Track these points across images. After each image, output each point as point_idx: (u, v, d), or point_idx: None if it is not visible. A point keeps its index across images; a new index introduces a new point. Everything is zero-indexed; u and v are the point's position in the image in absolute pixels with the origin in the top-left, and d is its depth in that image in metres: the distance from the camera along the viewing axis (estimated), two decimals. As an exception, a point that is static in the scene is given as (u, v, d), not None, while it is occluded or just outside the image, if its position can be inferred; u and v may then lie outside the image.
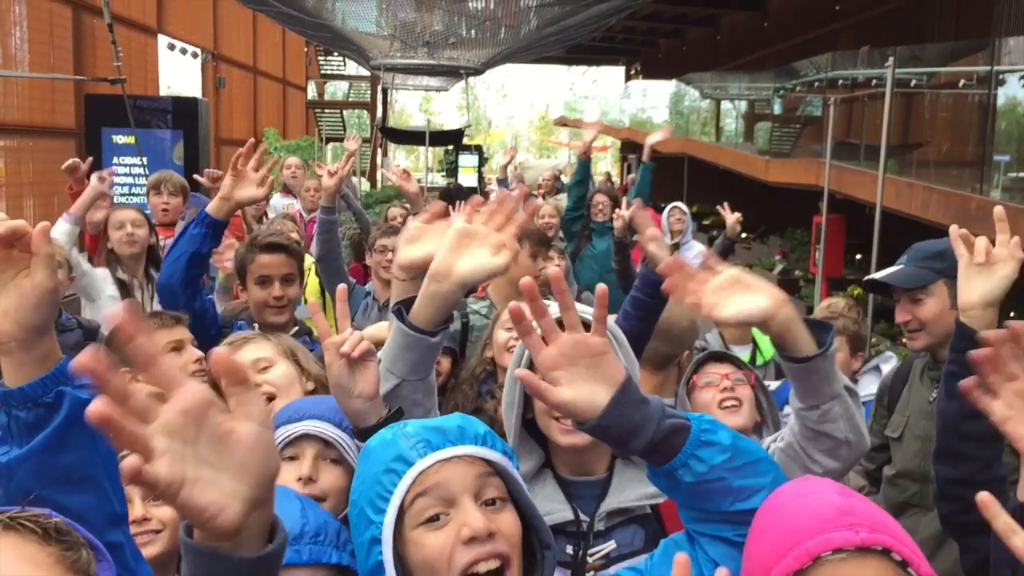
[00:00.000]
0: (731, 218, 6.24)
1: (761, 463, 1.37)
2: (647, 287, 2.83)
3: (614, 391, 1.30)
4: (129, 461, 0.81)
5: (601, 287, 1.34)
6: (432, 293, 1.70)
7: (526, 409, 1.83)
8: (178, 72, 19.87)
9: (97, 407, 0.79)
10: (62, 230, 4.29)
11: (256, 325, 3.22)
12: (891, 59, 7.27)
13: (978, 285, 1.99)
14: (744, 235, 16.52)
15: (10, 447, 1.29)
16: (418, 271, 1.80)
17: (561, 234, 6.62)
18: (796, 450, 1.73)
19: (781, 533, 1.20)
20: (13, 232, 1.20)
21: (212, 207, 3.07)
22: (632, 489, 1.79)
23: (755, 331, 4.12)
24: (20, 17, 12.39)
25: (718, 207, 5.82)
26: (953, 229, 2.02)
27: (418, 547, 1.29)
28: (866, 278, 2.78)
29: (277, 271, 3.20)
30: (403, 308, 1.74)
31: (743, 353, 3.96)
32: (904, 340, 2.83)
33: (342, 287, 1.81)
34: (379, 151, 26.25)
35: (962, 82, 10.70)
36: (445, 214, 1.94)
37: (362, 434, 1.67)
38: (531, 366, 1.41)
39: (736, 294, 1.60)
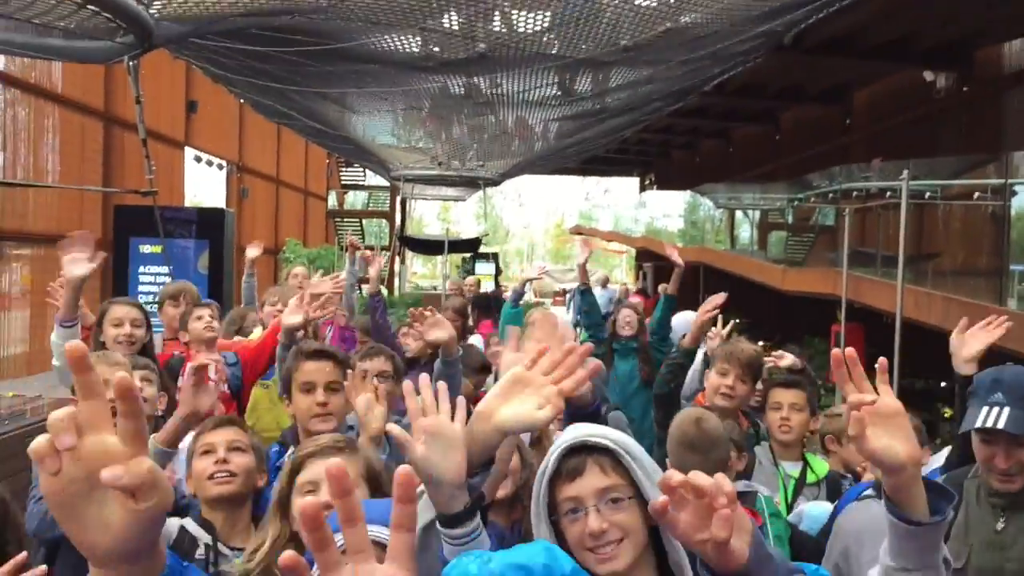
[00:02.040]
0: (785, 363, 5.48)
1: None
2: None
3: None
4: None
5: None
6: (472, 432, 1.65)
7: (560, 544, 1.74)
8: (203, 182, 20.37)
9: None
10: (61, 335, 4.16)
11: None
12: (905, 172, 7.40)
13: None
14: (761, 343, 16.50)
15: None
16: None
17: None
18: None
19: None
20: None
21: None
22: None
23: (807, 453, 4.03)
24: (53, 129, 12.81)
25: (770, 356, 5.37)
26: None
27: None
28: (976, 426, 2.55)
29: (322, 378, 3.19)
30: None
31: (793, 470, 3.85)
32: (995, 484, 2.63)
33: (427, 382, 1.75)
34: (397, 259, 26.58)
35: (976, 194, 10.84)
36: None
37: (447, 521, 1.63)
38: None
39: (881, 428, 1.55)
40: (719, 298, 4.24)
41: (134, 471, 0.95)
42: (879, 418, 1.55)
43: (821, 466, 3.92)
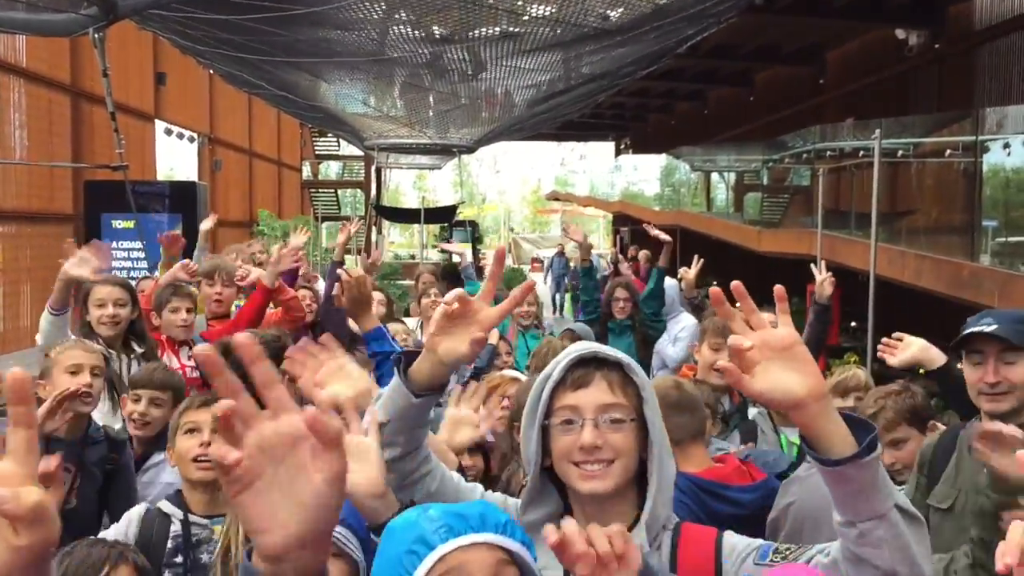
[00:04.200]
0: (822, 277, 5.14)
1: None
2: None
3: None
4: (223, 404, 0.89)
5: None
6: (423, 359, 1.73)
7: (544, 456, 1.74)
8: (175, 156, 20.16)
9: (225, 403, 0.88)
10: (49, 322, 4.10)
11: None
12: (877, 131, 7.43)
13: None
14: (737, 304, 16.61)
15: None
16: None
17: (541, 322, 6.53)
18: (841, 572, 1.47)
19: None
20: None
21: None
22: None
23: None
24: (19, 106, 12.60)
25: (812, 267, 5.41)
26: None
27: None
28: (968, 331, 2.66)
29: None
30: (404, 359, 1.76)
31: (795, 436, 3.70)
32: (985, 406, 2.71)
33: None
34: (374, 229, 26.48)
35: (948, 151, 10.91)
36: None
37: (377, 531, 1.66)
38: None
39: (777, 363, 1.40)
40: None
41: (22, 500, 0.81)
42: (773, 352, 1.39)
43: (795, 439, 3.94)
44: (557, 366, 1.72)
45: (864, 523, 1.38)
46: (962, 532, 2.69)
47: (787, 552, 1.60)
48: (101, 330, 4.15)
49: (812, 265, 5.39)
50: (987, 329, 2.63)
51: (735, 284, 1.50)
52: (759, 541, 1.70)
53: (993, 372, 2.65)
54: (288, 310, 4.92)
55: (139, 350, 4.25)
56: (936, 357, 3.29)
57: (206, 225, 6.85)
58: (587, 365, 1.71)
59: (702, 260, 6.32)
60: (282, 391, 0.92)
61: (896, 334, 3.43)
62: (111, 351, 4.10)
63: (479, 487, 1.92)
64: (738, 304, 1.50)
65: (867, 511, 1.37)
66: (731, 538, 1.71)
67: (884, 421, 3.11)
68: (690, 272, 6.22)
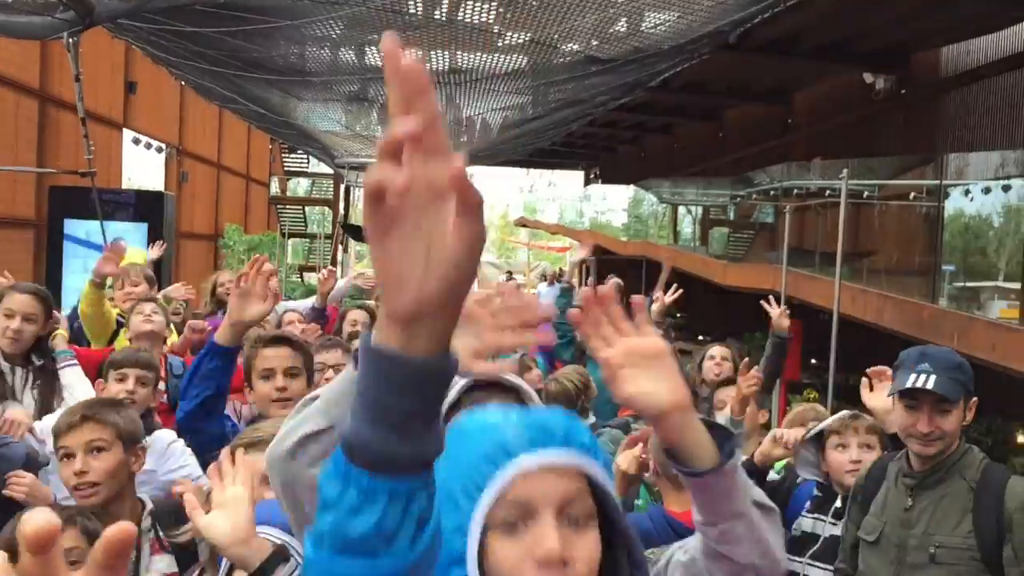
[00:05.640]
0: (778, 310, 5.38)
1: None
2: None
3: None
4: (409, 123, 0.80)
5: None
6: None
7: None
8: (141, 165, 19.95)
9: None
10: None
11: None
12: (845, 171, 7.55)
13: None
14: (700, 337, 16.72)
15: None
16: None
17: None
18: (699, 568, 1.51)
19: None
20: None
21: (220, 336, 2.87)
22: None
23: None
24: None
25: (764, 304, 5.43)
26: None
27: (492, 551, 1.22)
28: (907, 386, 2.76)
29: (280, 364, 3.18)
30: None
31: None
32: (915, 447, 2.87)
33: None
34: (339, 248, 26.35)
35: (912, 194, 11.12)
36: None
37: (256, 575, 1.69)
38: None
39: (644, 372, 1.38)
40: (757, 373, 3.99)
41: None
42: (641, 360, 1.38)
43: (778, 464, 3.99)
44: (453, 388, 1.71)
45: (724, 523, 1.41)
46: (888, 564, 2.82)
47: (650, 556, 1.60)
48: (3, 343, 3.80)
49: (763, 302, 5.40)
50: (928, 386, 2.74)
51: (604, 290, 1.44)
52: None
53: (927, 423, 2.78)
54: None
55: (37, 363, 3.90)
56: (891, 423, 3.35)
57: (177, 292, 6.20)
58: (484, 389, 1.73)
59: (680, 290, 6.38)
60: (443, 135, 0.83)
61: (880, 368, 3.48)
62: (7, 364, 3.80)
63: None
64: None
65: (728, 512, 1.41)
66: None
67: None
68: (665, 297, 6.23)
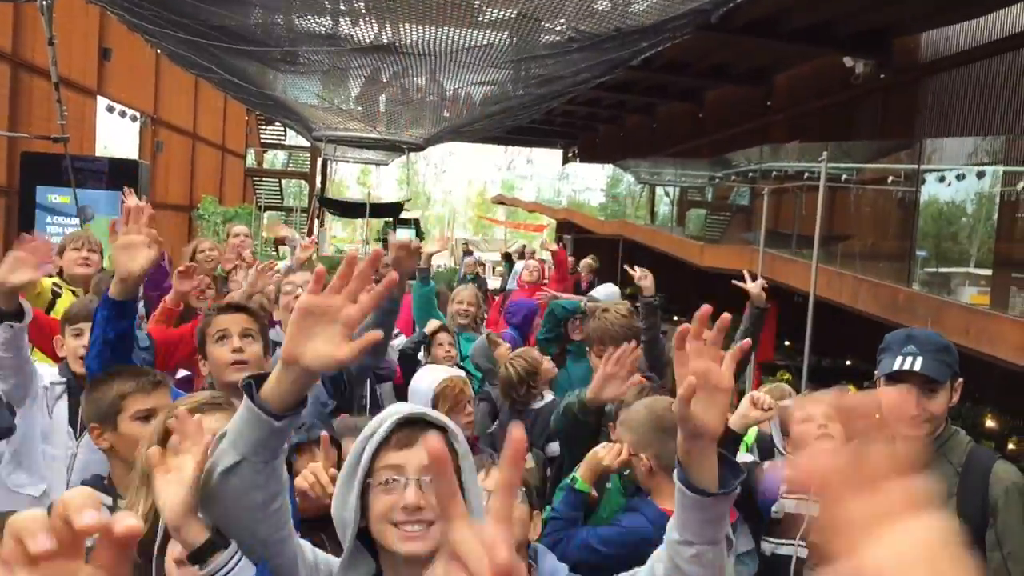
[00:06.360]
0: (756, 283, 5.25)
1: None
2: None
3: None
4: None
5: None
6: (281, 375, 1.54)
7: (361, 516, 1.67)
8: (115, 133, 19.68)
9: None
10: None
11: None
12: (824, 153, 7.56)
13: None
14: (677, 319, 16.81)
15: None
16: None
17: (479, 324, 6.38)
18: None
19: None
20: None
21: (113, 289, 2.76)
22: None
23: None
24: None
25: (741, 281, 5.29)
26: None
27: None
28: (895, 368, 2.76)
29: (236, 327, 3.04)
30: (253, 383, 1.57)
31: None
32: (901, 427, 2.83)
33: None
34: (316, 221, 26.18)
35: (890, 178, 11.17)
36: None
37: (192, 558, 1.64)
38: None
39: (710, 398, 1.55)
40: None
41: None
42: (713, 388, 1.55)
43: (748, 435, 3.96)
44: (382, 425, 1.69)
45: (701, 545, 1.56)
46: None
47: None
48: None
49: (738, 282, 5.29)
50: (916, 368, 2.74)
51: (704, 312, 1.56)
52: None
53: (915, 405, 2.78)
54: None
55: None
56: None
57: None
58: (412, 426, 1.69)
59: (649, 275, 6.17)
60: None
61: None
62: None
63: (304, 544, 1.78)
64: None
65: (708, 536, 1.57)
66: None
67: None
68: (647, 280, 5.84)
